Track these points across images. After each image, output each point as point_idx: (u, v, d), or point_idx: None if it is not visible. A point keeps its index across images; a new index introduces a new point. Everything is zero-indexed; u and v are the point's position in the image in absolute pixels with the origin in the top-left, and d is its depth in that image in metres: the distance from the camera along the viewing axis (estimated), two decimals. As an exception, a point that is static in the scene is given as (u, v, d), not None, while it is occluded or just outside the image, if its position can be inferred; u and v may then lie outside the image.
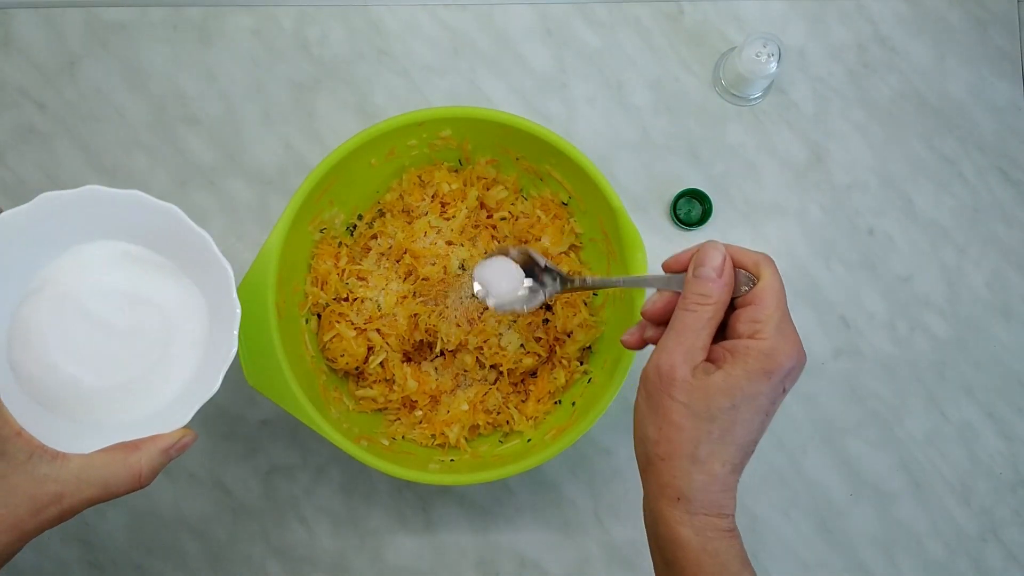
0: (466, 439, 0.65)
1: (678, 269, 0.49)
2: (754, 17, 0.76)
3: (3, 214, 0.45)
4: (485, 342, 0.64)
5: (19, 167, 0.72)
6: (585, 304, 0.66)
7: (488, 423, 0.66)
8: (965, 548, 0.71)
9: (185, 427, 0.46)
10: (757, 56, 0.69)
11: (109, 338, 0.47)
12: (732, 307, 0.47)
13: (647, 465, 0.46)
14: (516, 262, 0.58)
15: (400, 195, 0.67)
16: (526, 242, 0.67)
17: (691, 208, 0.73)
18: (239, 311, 0.47)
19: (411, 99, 0.74)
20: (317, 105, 0.74)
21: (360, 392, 0.66)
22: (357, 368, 0.66)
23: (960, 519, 0.72)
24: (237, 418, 0.71)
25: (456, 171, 0.67)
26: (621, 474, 0.71)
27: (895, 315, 0.73)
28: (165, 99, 0.73)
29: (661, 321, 0.49)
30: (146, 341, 0.48)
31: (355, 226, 0.68)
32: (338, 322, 0.65)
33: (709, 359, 0.45)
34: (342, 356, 0.65)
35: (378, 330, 0.65)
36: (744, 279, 0.47)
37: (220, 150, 0.73)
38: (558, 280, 0.57)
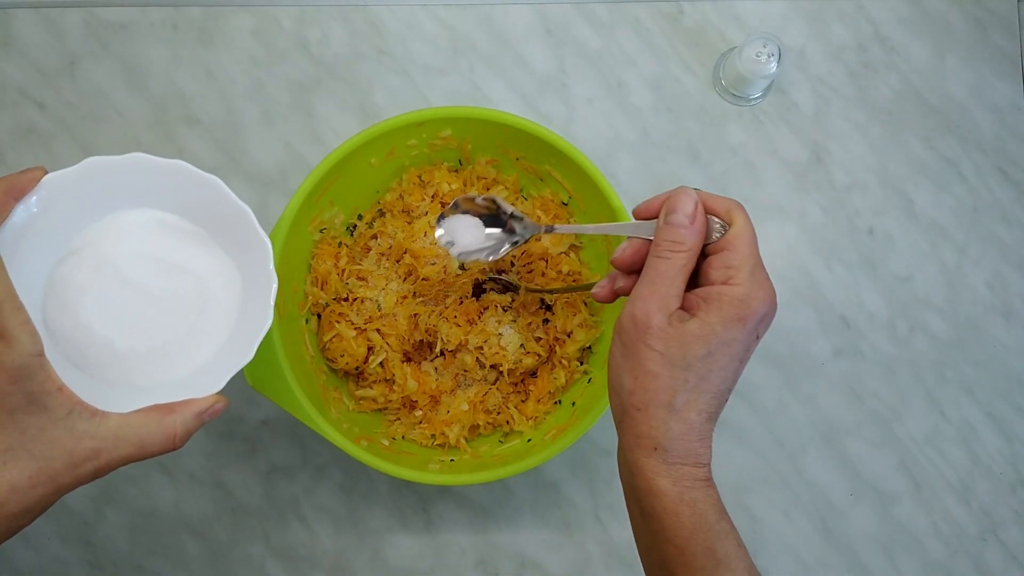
0: (466, 439, 0.65)
1: (649, 216, 0.47)
2: (754, 17, 0.76)
3: (49, 175, 0.46)
4: (485, 342, 0.64)
5: (19, 167, 0.72)
6: (585, 304, 0.66)
7: (488, 423, 0.66)
8: (965, 548, 0.71)
9: (218, 394, 0.47)
10: (757, 56, 0.69)
11: (143, 303, 0.47)
12: (704, 255, 0.46)
13: (623, 416, 0.45)
14: (482, 210, 0.58)
15: (400, 195, 0.67)
16: (526, 241, 0.67)
17: (691, 208, 0.73)
18: (276, 283, 0.48)
19: (411, 99, 0.74)
20: (317, 105, 0.74)
21: (360, 392, 0.66)
22: (357, 368, 0.66)
23: (960, 519, 0.71)
24: (237, 418, 0.71)
25: (456, 171, 0.67)
26: (621, 474, 0.71)
27: (895, 315, 0.73)
28: (165, 99, 0.73)
29: (631, 270, 0.49)
30: (180, 307, 0.48)
31: (355, 226, 0.68)
32: (338, 322, 0.65)
33: (683, 307, 0.45)
34: (342, 356, 0.65)
35: (378, 330, 0.65)
36: (716, 226, 0.46)
37: (220, 150, 0.73)
38: (527, 227, 0.57)
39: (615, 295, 0.51)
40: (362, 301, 0.65)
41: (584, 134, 0.74)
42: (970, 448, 0.72)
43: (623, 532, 0.70)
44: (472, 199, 0.58)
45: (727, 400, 0.45)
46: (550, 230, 0.57)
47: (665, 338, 0.43)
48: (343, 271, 0.66)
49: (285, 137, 0.73)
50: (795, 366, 0.72)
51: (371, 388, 0.66)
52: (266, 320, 0.48)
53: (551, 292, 0.65)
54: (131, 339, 0.47)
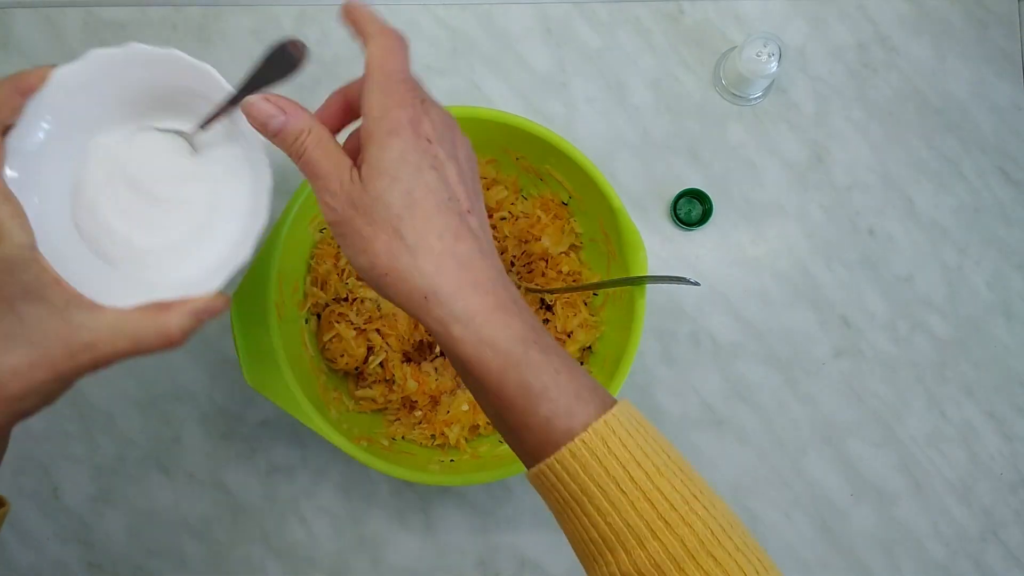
0: (466, 439, 0.65)
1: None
2: (754, 17, 0.76)
3: (59, 70, 0.46)
4: None
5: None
6: (585, 304, 0.66)
7: (488, 423, 0.66)
8: (966, 548, 0.71)
9: (219, 293, 0.46)
10: (757, 56, 0.69)
11: (156, 204, 0.49)
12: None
13: (387, 293, 0.40)
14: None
15: None
16: (527, 242, 0.67)
17: (691, 208, 0.73)
18: (270, 180, 0.48)
19: (411, 99, 0.74)
20: (317, 105, 0.74)
21: (360, 392, 0.66)
22: (357, 368, 0.66)
23: (961, 519, 0.71)
24: (237, 418, 0.71)
25: None
26: (621, 474, 0.71)
27: (896, 315, 0.73)
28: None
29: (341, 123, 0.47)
30: (192, 208, 0.50)
31: None
32: (338, 322, 0.65)
33: (356, 165, 0.41)
34: (342, 356, 0.65)
35: (378, 330, 0.65)
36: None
37: (220, 150, 0.73)
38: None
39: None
40: (362, 301, 0.65)
41: (584, 134, 0.74)
42: (970, 448, 0.72)
43: (623, 532, 0.70)
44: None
45: (471, 211, 0.41)
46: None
47: (355, 197, 0.39)
48: (343, 271, 0.66)
49: (285, 137, 0.73)
50: (795, 366, 0.72)
51: (371, 388, 0.66)
52: (262, 218, 0.48)
53: (551, 292, 0.65)
54: (149, 237, 0.48)
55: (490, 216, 0.68)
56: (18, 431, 0.72)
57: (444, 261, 0.39)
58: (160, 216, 0.49)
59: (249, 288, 0.58)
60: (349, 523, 0.70)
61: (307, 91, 0.74)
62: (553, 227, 0.66)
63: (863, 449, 0.72)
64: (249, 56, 0.74)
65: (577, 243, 0.67)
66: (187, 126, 0.51)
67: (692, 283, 0.58)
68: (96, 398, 0.71)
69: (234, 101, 0.49)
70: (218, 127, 0.51)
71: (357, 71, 0.74)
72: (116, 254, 0.48)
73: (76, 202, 0.48)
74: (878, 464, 0.72)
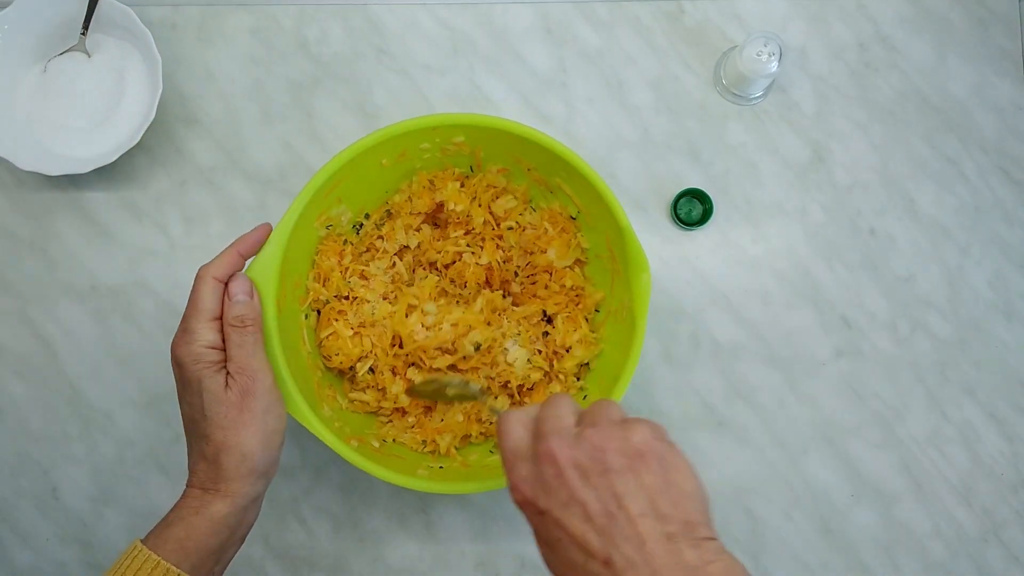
0: (456, 448, 0.65)
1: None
2: (755, 16, 0.76)
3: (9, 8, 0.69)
4: (493, 362, 0.64)
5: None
6: (586, 320, 0.66)
7: (480, 433, 0.66)
8: (966, 549, 0.71)
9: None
10: (758, 55, 0.69)
11: (80, 98, 0.72)
12: None
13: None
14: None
15: (409, 197, 0.67)
16: (532, 253, 0.67)
17: (692, 208, 0.73)
18: (159, 60, 0.69)
19: (411, 99, 0.74)
20: (317, 105, 0.74)
21: (353, 395, 0.66)
22: (351, 368, 0.66)
23: (961, 520, 0.71)
24: (236, 418, 0.70)
25: (466, 179, 0.67)
26: (621, 475, 0.71)
27: (896, 315, 0.73)
28: (165, 99, 0.73)
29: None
30: (104, 95, 0.72)
31: (361, 225, 0.68)
32: (336, 320, 0.65)
33: None
34: (336, 355, 0.64)
35: (372, 340, 0.65)
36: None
37: (220, 150, 0.73)
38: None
39: None
40: (361, 303, 0.65)
41: (584, 134, 0.74)
42: (971, 448, 0.72)
43: (623, 533, 0.70)
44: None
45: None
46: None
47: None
48: (346, 269, 0.66)
49: (284, 137, 0.73)
50: (796, 366, 0.72)
51: (364, 392, 0.66)
52: (159, 88, 0.69)
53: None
54: (76, 122, 0.72)
55: (497, 225, 0.68)
56: (18, 431, 0.72)
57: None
58: (86, 106, 0.72)
59: (253, 279, 0.57)
60: (349, 524, 0.70)
61: (306, 91, 0.74)
62: (560, 240, 0.66)
63: (863, 449, 0.72)
64: (249, 56, 0.75)
65: (582, 258, 0.67)
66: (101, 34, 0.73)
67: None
68: (96, 398, 0.71)
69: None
70: (106, 30, 0.72)
71: (357, 70, 0.75)
72: (59, 136, 0.71)
73: (32, 103, 0.72)
74: (878, 464, 0.72)
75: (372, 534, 0.70)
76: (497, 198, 0.67)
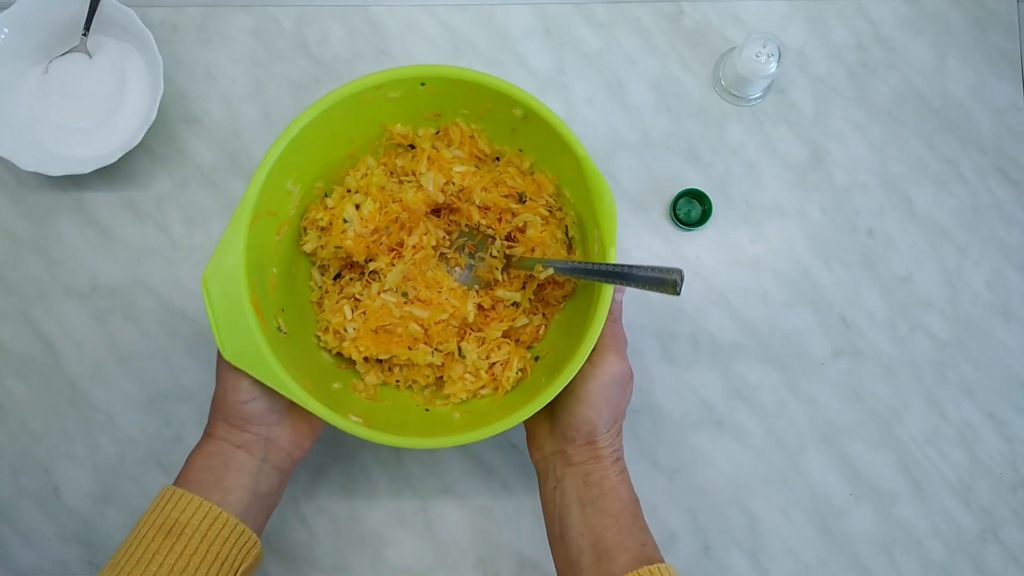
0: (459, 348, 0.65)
1: None
2: (754, 17, 0.76)
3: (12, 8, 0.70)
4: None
5: (19, 167, 0.72)
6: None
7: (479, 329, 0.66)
8: (965, 548, 0.71)
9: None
10: (757, 56, 0.69)
11: (83, 103, 0.72)
12: None
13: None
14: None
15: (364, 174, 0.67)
16: (515, 241, 0.67)
17: (691, 208, 0.73)
18: (160, 60, 0.70)
19: (411, 99, 0.74)
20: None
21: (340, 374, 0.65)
22: (345, 265, 0.66)
23: (960, 519, 0.71)
24: (237, 418, 0.71)
25: (436, 135, 0.66)
26: (621, 474, 0.71)
27: (895, 315, 0.73)
28: (165, 99, 0.73)
29: None
30: (105, 96, 0.72)
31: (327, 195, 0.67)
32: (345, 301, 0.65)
33: None
34: (337, 248, 0.64)
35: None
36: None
37: (220, 150, 0.73)
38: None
39: None
40: (368, 282, 0.66)
41: (584, 134, 0.74)
42: (970, 448, 0.72)
43: (623, 532, 0.70)
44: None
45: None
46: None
47: None
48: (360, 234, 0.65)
49: (285, 137, 0.73)
50: (795, 366, 0.72)
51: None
52: (160, 89, 0.70)
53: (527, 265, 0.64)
54: (77, 122, 0.72)
55: (455, 210, 0.67)
56: (19, 431, 0.72)
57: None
58: (86, 110, 0.72)
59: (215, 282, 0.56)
60: (349, 523, 0.70)
61: (306, 91, 0.75)
62: (546, 231, 0.66)
63: (862, 449, 0.72)
64: (249, 56, 0.75)
65: (571, 247, 0.66)
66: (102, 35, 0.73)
67: (672, 284, 0.53)
68: (96, 398, 0.71)
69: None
70: (107, 31, 0.72)
71: (357, 71, 0.75)
72: (60, 137, 0.72)
73: (34, 107, 0.72)
74: (878, 464, 0.72)
75: (372, 534, 0.70)
76: (473, 138, 0.66)
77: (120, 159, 0.69)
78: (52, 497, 0.70)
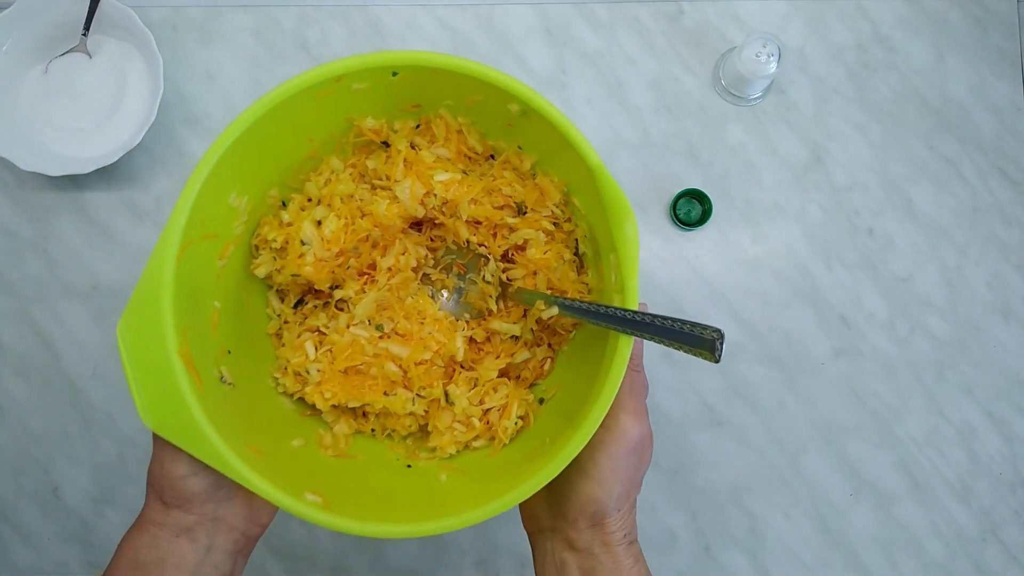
0: (445, 395, 0.55)
1: None
2: (754, 17, 0.76)
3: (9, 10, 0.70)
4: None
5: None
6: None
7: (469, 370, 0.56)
8: (965, 548, 0.71)
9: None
10: (757, 56, 0.69)
11: (83, 102, 0.72)
12: None
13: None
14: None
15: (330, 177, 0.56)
16: (513, 262, 0.58)
17: (691, 208, 0.73)
18: (160, 60, 0.70)
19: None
20: (317, 105, 0.74)
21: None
22: (305, 293, 0.56)
23: (960, 519, 0.72)
24: (237, 418, 0.71)
25: (416, 129, 0.57)
26: (621, 474, 0.71)
27: (895, 315, 0.73)
28: (165, 99, 0.73)
29: None
30: (105, 96, 0.72)
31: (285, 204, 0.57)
32: (306, 334, 0.55)
33: None
34: (295, 276, 0.54)
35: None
36: None
37: (220, 150, 0.73)
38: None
39: None
40: (340, 309, 0.56)
41: (584, 134, 0.74)
42: (970, 448, 0.72)
43: (623, 532, 0.70)
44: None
45: None
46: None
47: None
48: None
49: (285, 137, 0.74)
50: (795, 366, 0.72)
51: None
52: (160, 88, 0.69)
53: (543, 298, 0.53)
54: (77, 123, 0.72)
55: (438, 224, 0.58)
56: (19, 431, 0.72)
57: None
58: (87, 110, 0.72)
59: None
60: (349, 523, 0.70)
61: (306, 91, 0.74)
62: (552, 250, 0.56)
63: (862, 449, 0.72)
64: (249, 56, 0.75)
65: (582, 266, 0.57)
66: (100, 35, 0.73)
67: (709, 345, 0.42)
68: (96, 398, 0.71)
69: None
70: (107, 31, 0.72)
71: (357, 71, 0.74)
72: (62, 137, 0.71)
73: (36, 107, 0.72)
74: (877, 464, 0.72)
75: (372, 533, 0.70)
76: (460, 132, 0.56)
77: (120, 159, 0.69)
78: (52, 497, 0.70)
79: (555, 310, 0.51)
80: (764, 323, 0.73)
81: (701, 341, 0.42)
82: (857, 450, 0.72)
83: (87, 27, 0.71)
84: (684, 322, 0.43)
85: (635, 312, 0.46)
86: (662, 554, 0.71)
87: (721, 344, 0.42)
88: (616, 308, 0.47)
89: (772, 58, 0.69)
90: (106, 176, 0.73)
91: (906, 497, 0.72)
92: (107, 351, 0.71)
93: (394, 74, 0.50)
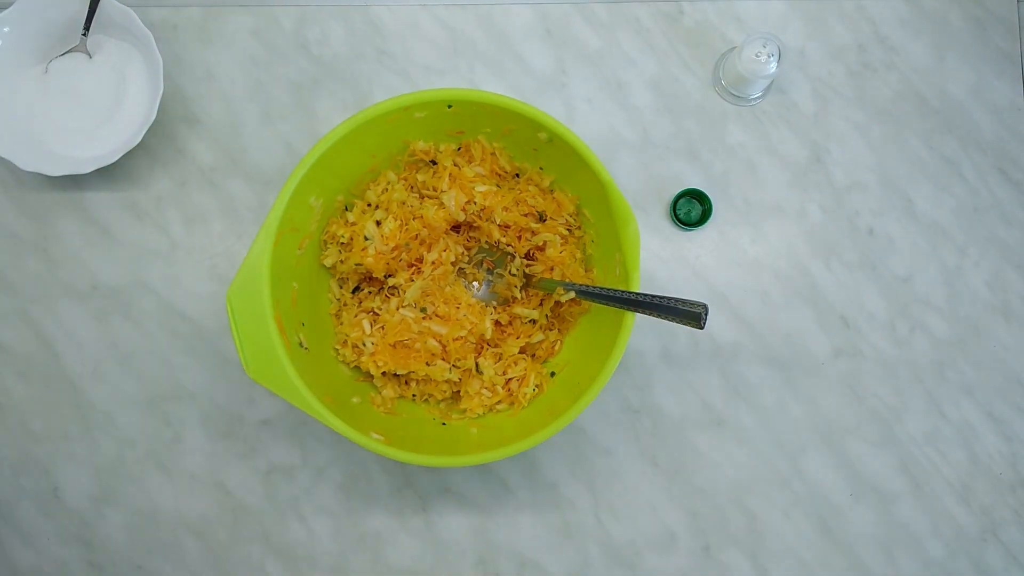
0: (476, 366, 0.66)
1: None
2: (754, 17, 0.76)
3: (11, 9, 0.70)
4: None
5: (19, 167, 0.73)
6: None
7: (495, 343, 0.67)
8: (965, 548, 0.71)
9: None
10: (757, 56, 0.69)
11: (83, 102, 0.72)
12: None
13: None
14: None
15: (385, 188, 0.68)
16: (534, 259, 0.68)
17: (691, 208, 0.73)
18: (160, 60, 0.70)
19: (411, 99, 0.74)
20: (317, 105, 0.74)
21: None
22: (365, 280, 0.68)
23: (960, 519, 0.72)
24: (237, 418, 0.71)
25: (457, 151, 0.68)
26: (621, 474, 0.71)
27: (895, 315, 0.73)
28: (165, 99, 0.73)
29: None
30: (105, 102, 0.72)
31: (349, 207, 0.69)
32: (363, 314, 0.67)
33: None
34: (358, 266, 0.66)
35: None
36: None
37: (220, 150, 0.73)
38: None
39: None
40: (388, 298, 0.67)
41: (584, 134, 0.74)
42: (970, 448, 0.72)
43: (623, 532, 0.70)
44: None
45: None
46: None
47: None
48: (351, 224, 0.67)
49: (285, 137, 0.74)
50: (795, 366, 0.72)
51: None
52: (160, 88, 0.70)
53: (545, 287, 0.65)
54: (77, 123, 0.72)
55: (475, 227, 0.69)
56: (19, 431, 0.72)
57: None
58: (85, 110, 0.72)
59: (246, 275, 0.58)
60: (349, 523, 0.70)
61: (306, 91, 0.74)
62: (566, 251, 0.67)
63: (862, 449, 0.72)
64: (249, 56, 0.75)
65: (588, 265, 0.68)
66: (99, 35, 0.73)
67: (696, 317, 0.56)
68: (96, 398, 0.71)
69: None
70: (107, 31, 0.72)
71: (357, 71, 0.75)
72: (59, 137, 0.72)
73: (36, 106, 0.72)
74: (877, 464, 0.72)
75: (372, 533, 0.70)
76: (493, 155, 0.68)
77: (120, 159, 0.69)
78: (52, 497, 0.70)
79: (572, 294, 0.64)
80: (764, 323, 0.73)
81: (688, 314, 0.55)
82: (857, 450, 0.72)
83: (87, 27, 0.71)
84: (676, 299, 0.56)
85: (636, 293, 0.59)
86: (662, 554, 0.71)
87: (705, 315, 0.55)
88: (621, 290, 0.60)
89: (772, 58, 0.69)
90: (106, 176, 0.73)
91: (906, 497, 0.72)
92: (107, 351, 0.71)
93: (449, 106, 0.63)
